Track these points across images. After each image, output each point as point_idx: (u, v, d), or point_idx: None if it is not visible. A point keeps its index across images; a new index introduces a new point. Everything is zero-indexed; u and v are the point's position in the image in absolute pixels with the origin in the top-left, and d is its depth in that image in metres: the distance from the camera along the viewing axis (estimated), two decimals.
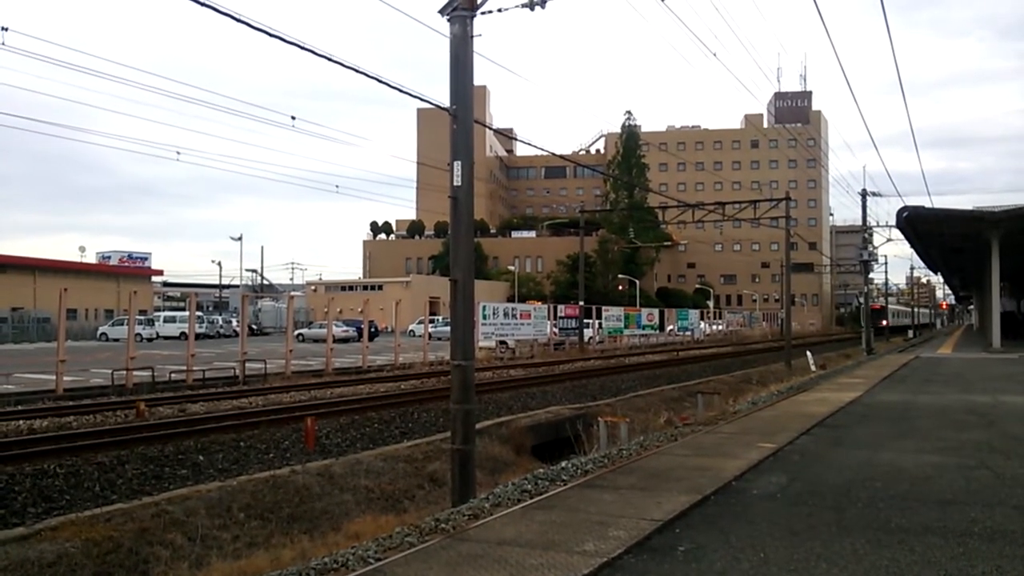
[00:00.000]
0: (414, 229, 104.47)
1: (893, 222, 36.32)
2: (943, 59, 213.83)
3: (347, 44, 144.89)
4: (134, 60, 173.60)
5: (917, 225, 30.47)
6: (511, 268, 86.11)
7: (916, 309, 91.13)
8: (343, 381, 21.79)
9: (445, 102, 8.83)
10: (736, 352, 41.20)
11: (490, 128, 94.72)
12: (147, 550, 7.79)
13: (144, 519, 8.20)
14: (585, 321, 40.40)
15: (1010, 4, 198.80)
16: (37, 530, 7.58)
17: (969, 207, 31.52)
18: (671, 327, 51.52)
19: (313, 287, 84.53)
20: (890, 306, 70.90)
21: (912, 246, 41.76)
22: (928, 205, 29.58)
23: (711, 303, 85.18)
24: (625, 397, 19.83)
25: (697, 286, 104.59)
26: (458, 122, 8.63)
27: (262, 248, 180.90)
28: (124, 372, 19.54)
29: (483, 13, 8.71)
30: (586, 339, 39.97)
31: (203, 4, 7.19)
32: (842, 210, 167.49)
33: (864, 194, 39.60)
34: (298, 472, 10.30)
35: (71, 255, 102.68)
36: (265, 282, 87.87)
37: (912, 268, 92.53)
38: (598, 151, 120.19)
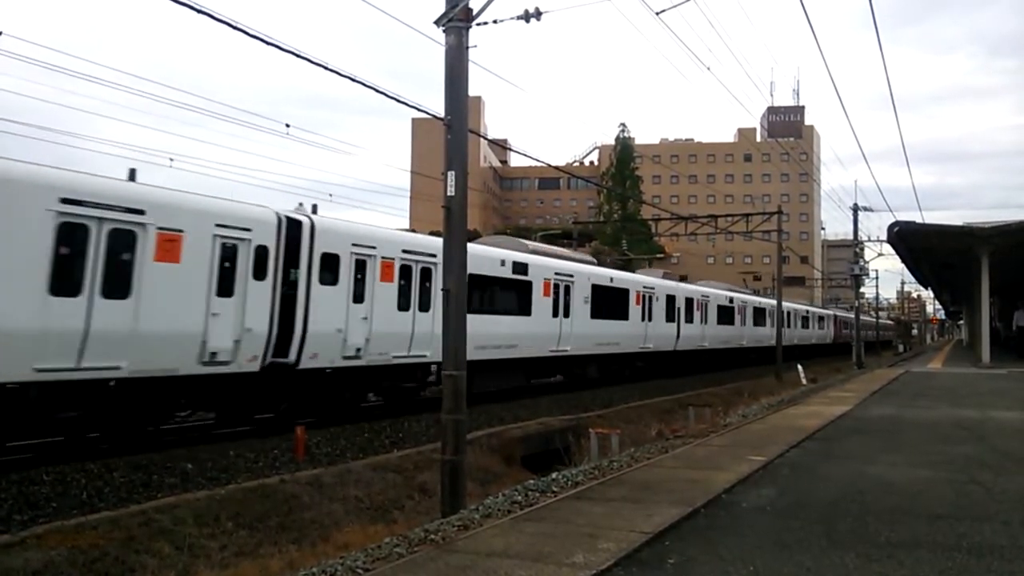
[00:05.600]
0: None
1: (884, 236, 36.50)
2: (934, 75, 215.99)
3: (342, 53, 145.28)
4: (128, 65, 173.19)
5: (908, 240, 30.55)
6: None
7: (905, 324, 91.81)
8: None
9: (440, 112, 8.85)
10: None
11: (484, 138, 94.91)
12: (133, 558, 7.73)
13: (131, 527, 8.14)
14: None
15: (999, 22, 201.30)
16: (22, 538, 7.51)
17: (959, 222, 31.71)
18: None
19: None
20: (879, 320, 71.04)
21: (903, 261, 41.90)
22: (919, 220, 29.60)
23: None
24: (616, 408, 19.82)
25: None
26: (452, 132, 8.65)
27: None
28: None
29: (479, 24, 8.74)
30: None
31: (200, 11, 7.21)
32: (833, 224, 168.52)
33: (856, 209, 39.79)
34: (287, 481, 10.25)
35: None
36: None
37: (903, 283, 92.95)
38: (592, 163, 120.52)
